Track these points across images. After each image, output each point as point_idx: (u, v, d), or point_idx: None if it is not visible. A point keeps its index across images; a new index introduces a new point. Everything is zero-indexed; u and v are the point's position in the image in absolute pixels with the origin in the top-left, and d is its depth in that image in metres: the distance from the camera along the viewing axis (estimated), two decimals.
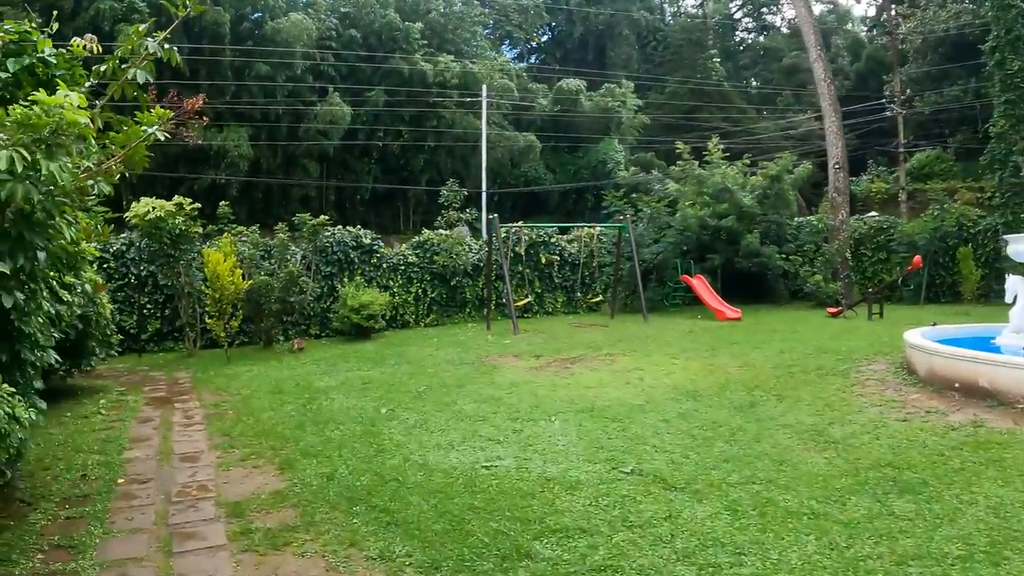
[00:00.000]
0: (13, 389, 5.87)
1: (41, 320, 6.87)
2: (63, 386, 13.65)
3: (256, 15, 38.68)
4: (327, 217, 20.95)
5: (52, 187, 5.63)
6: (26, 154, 5.24)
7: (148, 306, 19.41)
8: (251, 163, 35.13)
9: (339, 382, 13.62)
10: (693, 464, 7.98)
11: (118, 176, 7.07)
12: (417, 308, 22.74)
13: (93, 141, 6.32)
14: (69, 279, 8.46)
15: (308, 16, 37.82)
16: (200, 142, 32.14)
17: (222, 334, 17.36)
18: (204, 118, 7.58)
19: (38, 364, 7.04)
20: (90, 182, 6.48)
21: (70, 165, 5.75)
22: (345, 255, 21.45)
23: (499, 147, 40.27)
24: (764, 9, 65.40)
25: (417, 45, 40.77)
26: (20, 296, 6.06)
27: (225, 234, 18.61)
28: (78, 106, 5.63)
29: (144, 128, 6.74)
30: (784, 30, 62.49)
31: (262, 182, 36.20)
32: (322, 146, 36.99)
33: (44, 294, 7.16)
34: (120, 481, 8.13)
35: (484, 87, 39.35)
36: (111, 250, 18.98)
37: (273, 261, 19.70)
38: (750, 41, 66.99)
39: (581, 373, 13.63)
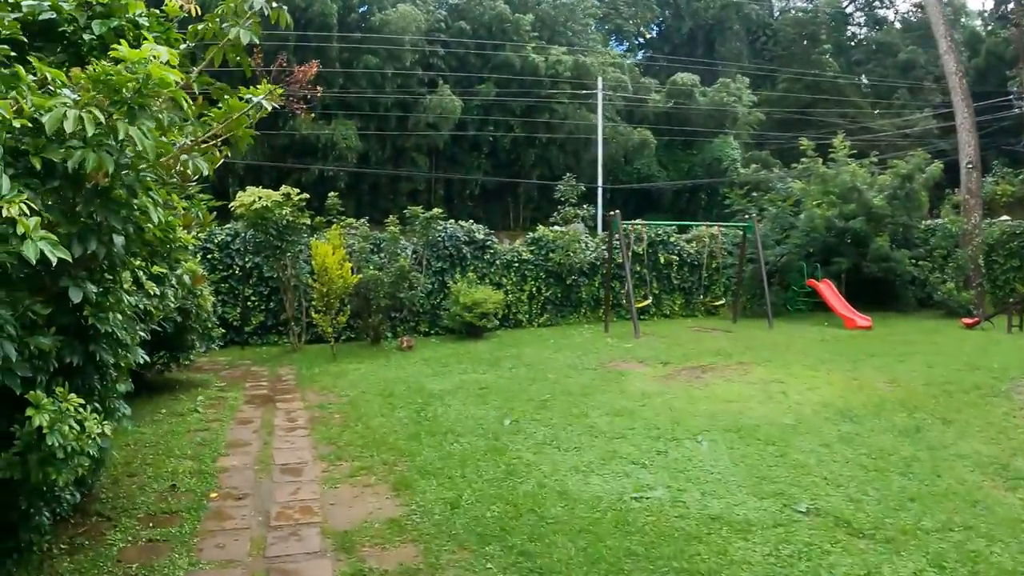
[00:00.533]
0: (82, 400, 4.90)
1: (123, 316, 5.92)
2: (159, 380, 13.09)
3: (363, 7, 38.22)
4: (440, 211, 19.96)
5: (133, 157, 4.66)
6: (99, 115, 4.25)
7: (252, 298, 18.88)
8: (359, 155, 34.55)
9: (454, 386, 12.62)
10: (875, 503, 6.83)
11: (220, 159, 6.08)
12: (530, 307, 21.65)
13: (188, 110, 5.35)
14: (158, 269, 7.55)
15: (416, 7, 37.14)
16: (308, 131, 31.83)
17: (329, 330, 16.51)
18: (318, 89, 6.55)
19: (122, 364, 6.12)
20: (184, 157, 5.49)
21: (160, 135, 4.79)
22: (457, 250, 20.50)
23: (612, 142, 38.95)
24: (876, 3, 62.68)
25: (528, 37, 39.74)
26: (93, 288, 5.09)
27: (334, 226, 17.79)
28: (167, 62, 4.62)
29: (248, 99, 5.74)
30: (897, 25, 59.75)
31: (370, 175, 35.64)
32: (432, 139, 36.26)
33: (127, 286, 6.25)
34: (213, 495, 7.28)
35: (600, 79, 38.07)
36: (215, 240, 18.53)
37: (383, 255, 18.86)
38: (862, 36, 64.30)
39: (716, 384, 12.36)
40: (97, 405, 5.39)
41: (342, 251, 16.63)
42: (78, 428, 4.71)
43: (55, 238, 4.06)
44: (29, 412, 4.50)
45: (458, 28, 38.95)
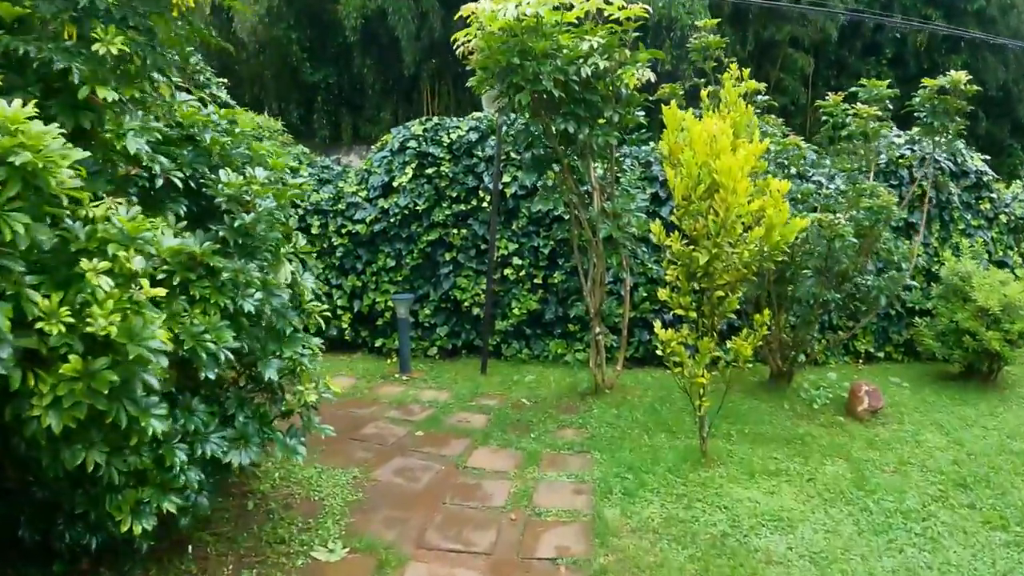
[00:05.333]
0: None
1: None
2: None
3: None
4: None
5: None
6: None
7: (515, 261, 9.74)
8: None
9: None
10: None
11: None
12: None
13: None
14: None
15: None
16: None
17: (701, 375, 6.03)
18: None
19: None
20: None
21: None
22: (935, 190, 10.39)
23: None
24: None
25: None
26: None
27: (725, 79, 7.05)
28: None
29: None
30: None
31: None
32: (813, 32, 24.29)
33: None
34: None
35: None
36: (443, 138, 9.67)
37: (819, 186, 9.04)
38: None
39: None
40: None
41: (757, 149, 5.94)
42: None
43: None
44: None
45: None
